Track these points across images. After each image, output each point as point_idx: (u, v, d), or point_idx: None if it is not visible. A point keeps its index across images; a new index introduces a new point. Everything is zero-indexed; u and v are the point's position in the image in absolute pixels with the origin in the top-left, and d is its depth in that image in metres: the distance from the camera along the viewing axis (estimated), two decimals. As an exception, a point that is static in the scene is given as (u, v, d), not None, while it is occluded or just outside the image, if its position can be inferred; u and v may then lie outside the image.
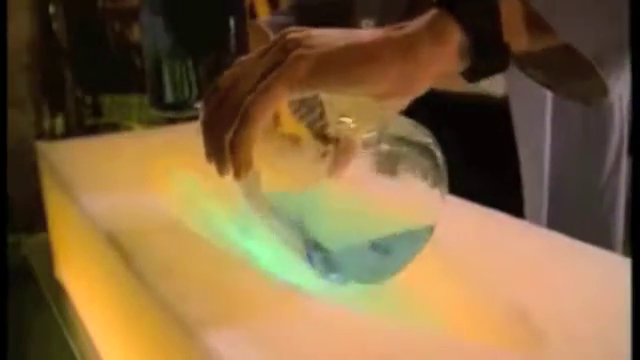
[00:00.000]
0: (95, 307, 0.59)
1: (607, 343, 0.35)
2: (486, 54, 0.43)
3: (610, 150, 0.70)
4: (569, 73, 0.48)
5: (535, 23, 0.43)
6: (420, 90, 0.43)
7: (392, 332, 0.36)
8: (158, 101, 0.58)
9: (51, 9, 1.61)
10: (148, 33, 0.56)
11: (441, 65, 0.42)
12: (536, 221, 0.65)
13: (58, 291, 0.67)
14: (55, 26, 1.62)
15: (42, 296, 0.67)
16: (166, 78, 0.56)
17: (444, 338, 0.36)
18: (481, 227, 0.50)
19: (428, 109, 0.75)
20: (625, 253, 0.68)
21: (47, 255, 0.71)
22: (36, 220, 0.74)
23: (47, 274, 0.70)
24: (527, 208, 0.66)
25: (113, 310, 0.52)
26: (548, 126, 0.66)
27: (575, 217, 0.70)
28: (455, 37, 0.42)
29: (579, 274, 0.43)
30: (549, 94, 0.64)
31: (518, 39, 0.44)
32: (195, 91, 0.56)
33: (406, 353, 0.34)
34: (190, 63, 0.55)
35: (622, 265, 0.43)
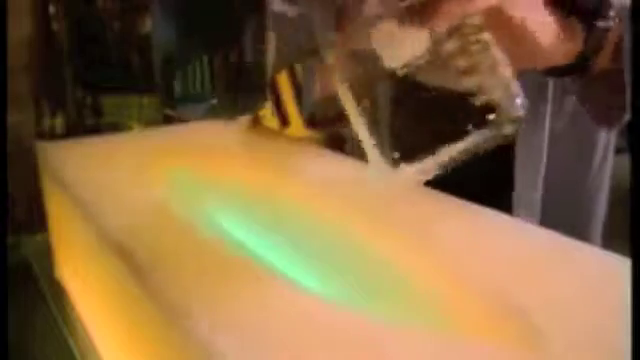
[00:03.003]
0: (95, 307, 0.59)
1: (606, 343, 0.35)
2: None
3: (598, 150, 0.73)
4: None
5: None
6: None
7: (391, 331, 0.36)
8: (169, 98, 0.56)
9: (51, 9, 1.61)
10: (160, 30, 0.54)
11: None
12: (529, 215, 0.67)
13: (58, 291, 0.67)
14: (55, 26, 1.62)
15: (42, 296, 0.67)
16: (179, 74, 0.54)
17: (440, 336, 0.36)
18: (479, 226, 0.50)
19: (430, 103, 0.76)
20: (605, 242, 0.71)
21: (47, 255, 0.71)
22: (36, 220, 0.73)
23: (47, 274, 0.70)
24: (517, 205, 0.67)
25: (113, 310, 0.52)
26: (547, 128, 0.67)
27: (562, 208, 0.72)
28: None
29: (578, 274, 0.43)
30: (550, 96, 0.66)
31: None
32: (209, 87, 0.54)
33: (404, 351, 0.34)
34: (205, 59, 0.53)
35: (622, 265, 0.43)
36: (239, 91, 0.53)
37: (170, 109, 0.54)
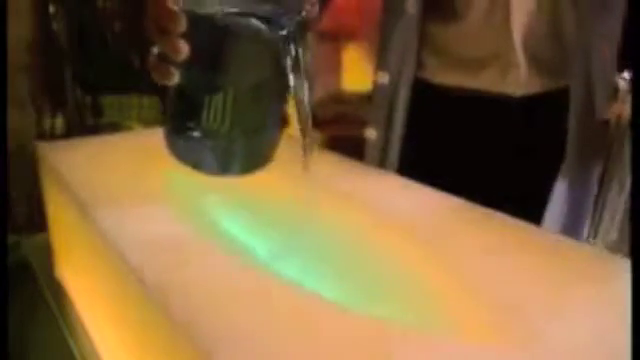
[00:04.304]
0: (95, 307, 0.59)
1: (607, 343, 0.35)
2: None
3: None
4: None
5: None
6: None
7: (395, 330, 0.36)
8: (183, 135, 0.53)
9: (51, 9, 1.61)
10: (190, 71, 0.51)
11: None
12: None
13: (58, 291, 0.67)
14: (55, 26, 1.62)
15: (42, 296, 0.67)
16: (206, 110, 0.51)
17: (444, 337, 0.36)
18: (482, 228, 0.50)
19: (446, 105, 0.77)
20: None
21: (47, 255, 0.71)
22: (36, 220, 0.73)
23: (47, 274, 0.70)
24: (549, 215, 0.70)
25: (113, 310, 0.52)
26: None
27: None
28: None
29: (579, 274, 0.43)
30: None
31: None
32: (227, 122, 0.52)
33: (406, 350, 0.34)
34: (230, 96, 0.51)
35: (622, 265, 0.43)
36: (262, 129, 0.51)
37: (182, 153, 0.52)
